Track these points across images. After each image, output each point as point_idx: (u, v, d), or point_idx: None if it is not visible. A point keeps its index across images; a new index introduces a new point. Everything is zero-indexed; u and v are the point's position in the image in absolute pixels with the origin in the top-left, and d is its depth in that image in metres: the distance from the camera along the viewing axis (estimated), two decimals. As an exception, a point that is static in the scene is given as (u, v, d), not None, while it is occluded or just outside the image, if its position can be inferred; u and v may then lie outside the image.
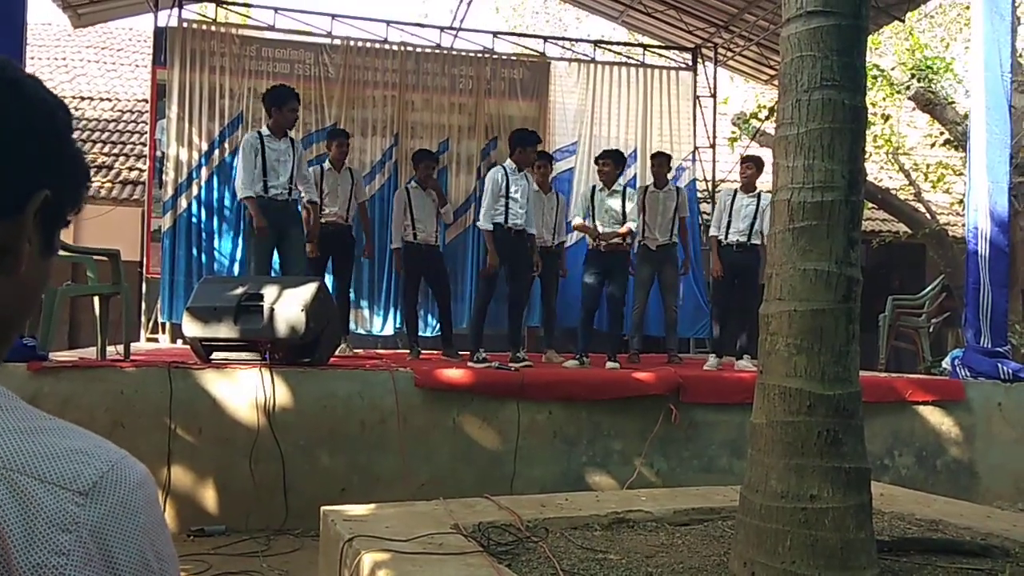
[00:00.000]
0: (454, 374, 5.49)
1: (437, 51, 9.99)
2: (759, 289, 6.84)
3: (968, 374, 6.50)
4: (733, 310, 7.37)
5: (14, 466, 0.57)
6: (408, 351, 7.51)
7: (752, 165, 7.49)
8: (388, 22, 9.94)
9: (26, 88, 0.68)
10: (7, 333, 0.70)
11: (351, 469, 5.07)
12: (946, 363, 7.02)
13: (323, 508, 3.48)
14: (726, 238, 7.31)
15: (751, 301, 7.02)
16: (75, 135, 0.74)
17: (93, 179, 8.52)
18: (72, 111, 0.74)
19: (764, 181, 7.11)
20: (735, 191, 7.51)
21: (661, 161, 8.23)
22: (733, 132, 12.98)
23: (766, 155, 13.04)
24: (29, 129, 0.67)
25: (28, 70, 0.74)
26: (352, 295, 9.11)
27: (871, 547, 2.74)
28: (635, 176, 10.11)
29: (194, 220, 8.89)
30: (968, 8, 13.99)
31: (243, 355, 5.47)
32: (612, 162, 7.18)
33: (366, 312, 9.29)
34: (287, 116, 6.43)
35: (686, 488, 4.68)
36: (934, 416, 6.10)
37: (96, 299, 5.63)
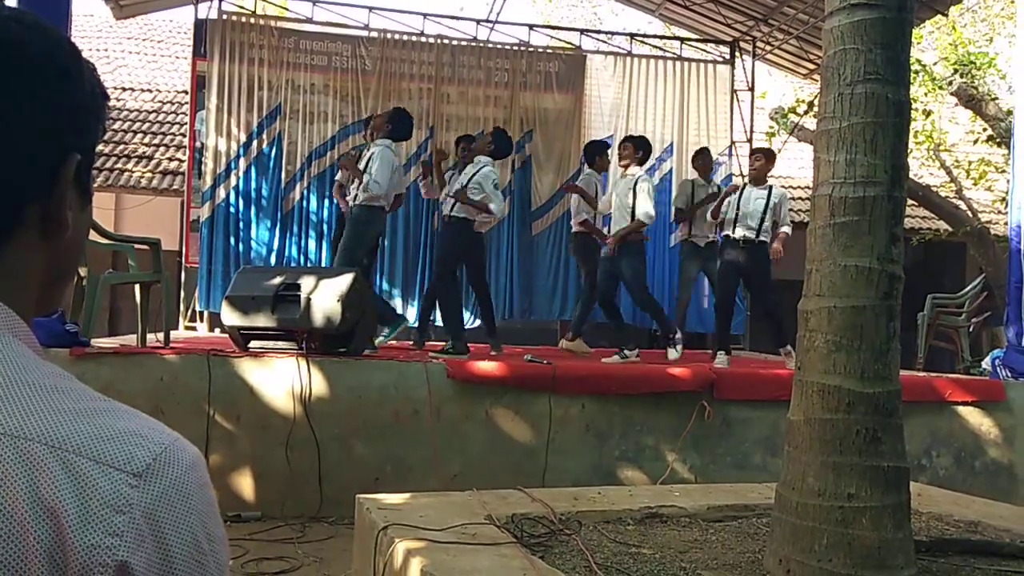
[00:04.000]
0: (486, 366, 5.50)
1: (473, 44, 9.99)
2: (771, 287, 6.84)
3: (1009, 374, 6.39)
4: (757, 311, 7.23)
5: (70, 447, 0.58)
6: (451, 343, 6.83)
7: (761, 156, 7.05)
8: (424, 15, 9.96)
9: (30, 50, 0.64)
10: (63, 285, 0.73)
11: (385, 458, 5.10)
12: (986, 363, 6.91)
13: (358, 496, 3.50)
14: (733, 232, 6.84)
15: (767, 300, 6.99)
16: (83, 70, 0.69)
17: (133, 169, 8.64)
18: (113, 100, 0.73)
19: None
20: (744, 184, 7.10)
21: (706, 157, 8.18)
22: (771, 127, 12.84)
23: (805, 150, 12.96)
24: (42, 101, 0.65)
25: None
26: (386, 285, 9.19)
27: (909, 547, 2.71)
28: (671, 170, 10.08)
29: (232, 210, 8.99)
30: (1012, 2, 13.71)
31: (280, 344, 5.53)
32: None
33: (399, 302, 9.33)
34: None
35: (720, 484, 4.65)
36: (973, 416, 6.00)
37: (137, 287, 5.71)
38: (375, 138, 6.62)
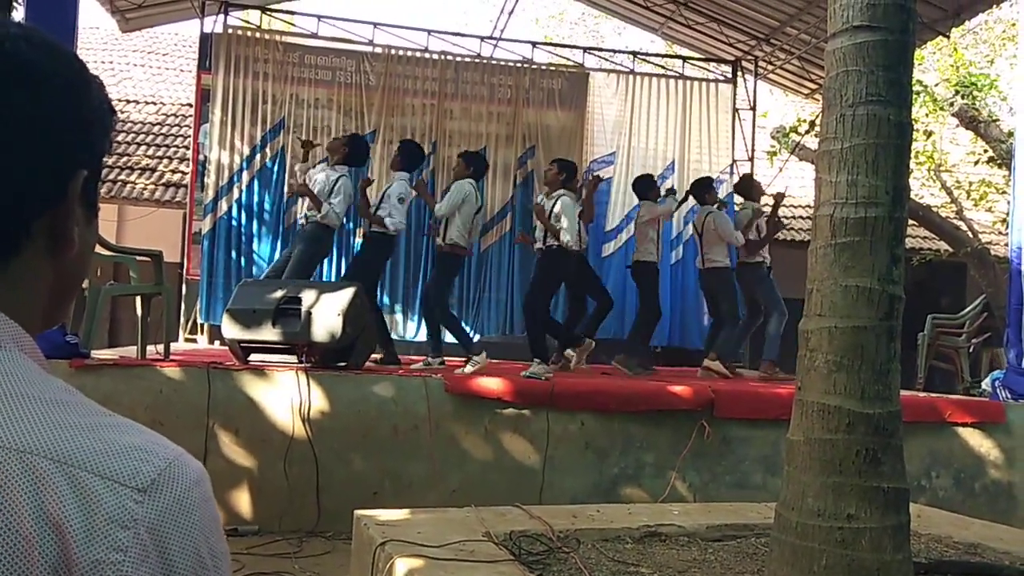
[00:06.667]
0: (485, 382, 5.49)
1: (477, 60, 10.04)
2: (536, 291, 6.73)
3: (1009, 396, 6.37)
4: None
5: (76, 462, 0.58)
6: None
7: (553, 166, 7.09)
8: (429, 31, 10.02)
9: (38, 68, 0.65)
10: (68, 300, 0.73)
11: (383, 474, 5.09)
12: (986, 384, 6.90)
13: (356, 512, 3.50)
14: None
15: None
16: (91, 85, 0.70)
17: (136, 181, 8.68)
18: (118, 113, 0.74)
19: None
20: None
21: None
22: (772, 146, 12.89)
23: (805, 169, 13.01)
24: (49, 119, 0.65)
25: None
26: (386, 299, 9.19)
27: (908, 569, 2.70)
28: (672, 187, 10.09)
29: (234, 223, 9.02)
30: (1014, 25, 13.77)
31: (280, 357, 5.54)
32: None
33: (399, 317, 9.33)
34: None
35: (719, 503, 4.64)
36: (973, 438, 5.99)
37: (138, 299, 5.71)
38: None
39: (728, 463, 5.59)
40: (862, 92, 2.79)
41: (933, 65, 13.69)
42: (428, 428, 5.13)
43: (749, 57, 10.67)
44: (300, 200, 8.75)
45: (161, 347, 5.79)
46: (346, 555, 3.93)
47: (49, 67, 0.66)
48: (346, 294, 5.46)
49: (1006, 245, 8.27)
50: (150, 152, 11.97)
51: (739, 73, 10.77)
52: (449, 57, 9.89)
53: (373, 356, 6.44)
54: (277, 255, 9.01)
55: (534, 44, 10.69)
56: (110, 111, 0.72)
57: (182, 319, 8.93)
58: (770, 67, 10.75)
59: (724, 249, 7.52)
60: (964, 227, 12.58)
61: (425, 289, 7.24)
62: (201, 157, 9.15)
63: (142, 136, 12.41)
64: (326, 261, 8.71)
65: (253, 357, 5.57)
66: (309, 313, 5.32)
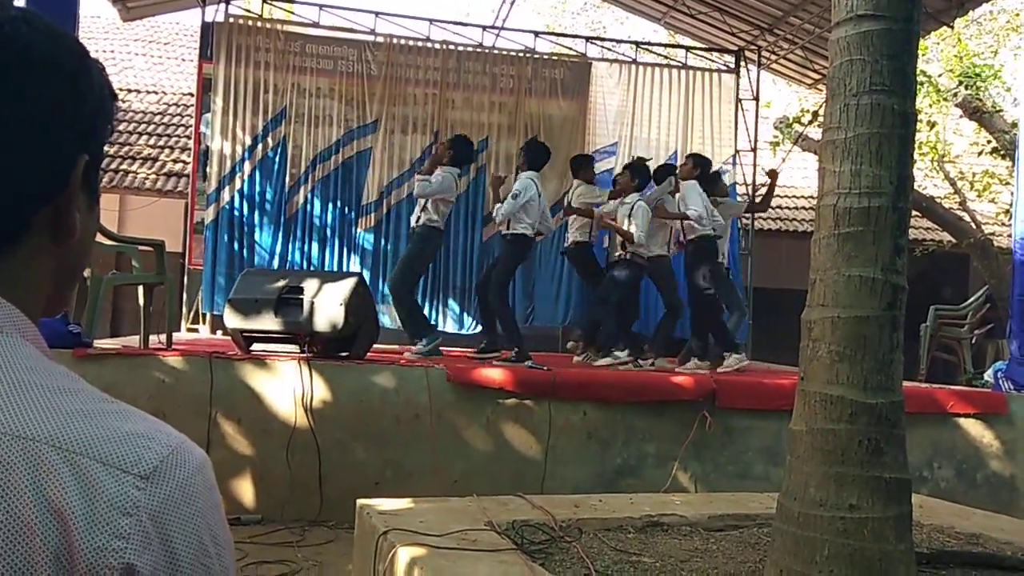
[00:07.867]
0: (487, 372, 5.50)
1: (479, 50, 10.01)
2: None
3: (1011, 387, 6.37)
4: None
5: (78, 449, 0.58)
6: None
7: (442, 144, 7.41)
8: (431, 20, 9.97)
9: (37, 53, 0.64)
10: (71, 287, 0.73)
11: (385, 463, 5.10)
12: (988, 375, 6.90)
13: (359, 501, 3.50)
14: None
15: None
16: (92, 69, 0.69)
17: (138, 171, 8.68)
18: (119, 102, 0.73)
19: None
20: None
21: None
22: (775, 136, 12.85)
23: (808, 160, 12.97)
24: (50, 105, 0.65)
25: None
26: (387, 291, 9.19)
27: (910, 559, 2.70)
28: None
29: (236, 213, 9.00)
30: (1018, 15, 13.73)
31: (282, 347, 5.54)
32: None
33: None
34: None
35: (721, 493, 4.64)
36: (975, 429, 5.99)
37: (140, 288, 5.72)
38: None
39: (730, 453, 5.60)
40: (866, 81, 2.78)
41: (937, 55, 13.63)
42: (430, 418, 5.14)
43: (752, 47, 10.62)
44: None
45: (163, 337, 5.80)
46: (348, 544, 3.94)
47: (49, 51, 0.65)
48: (348, 284, 5.47)
49: (1009, 236, 8.27)
50: (152, 142, 11.95)
51: (742, 63, 10.73)
52: (451, 46, 9.86)
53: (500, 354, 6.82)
54: (279, 245, 9.03)
55: (536, 34, 10.64)
56: (111, 96, 0.72)
57: (184, 309, 8.93)
58: (773, 57, 10.70)
59: (663, 239, 7.41)
60: (967, 218, 12.56)
61: (595, 293, 7.35)
62: (203, 147, 9.13)
63: (143, 125, 12.39)
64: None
65: (255, 347, 5.57)
66: (311, 303, 5.32)
